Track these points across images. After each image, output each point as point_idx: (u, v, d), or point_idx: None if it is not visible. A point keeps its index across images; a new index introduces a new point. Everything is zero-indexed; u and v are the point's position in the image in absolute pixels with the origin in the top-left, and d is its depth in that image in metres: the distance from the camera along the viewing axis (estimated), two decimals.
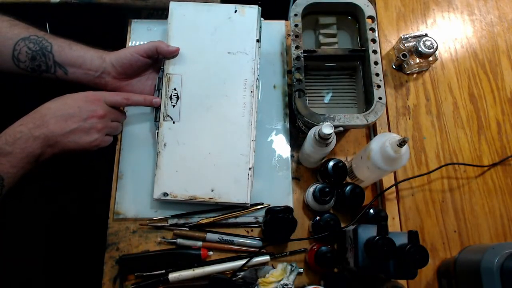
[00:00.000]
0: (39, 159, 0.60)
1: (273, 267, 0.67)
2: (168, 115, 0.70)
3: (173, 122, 0.69)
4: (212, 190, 0.67)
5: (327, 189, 0.66)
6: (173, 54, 0.71)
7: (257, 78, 0.71)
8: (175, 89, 0.70)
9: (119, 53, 0.68)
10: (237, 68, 0.71)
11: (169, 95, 0.70)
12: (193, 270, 0.66)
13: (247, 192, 0.67)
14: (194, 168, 0.68)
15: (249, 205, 0.68)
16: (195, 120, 0.70)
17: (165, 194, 0.67)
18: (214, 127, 0.69)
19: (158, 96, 0.71)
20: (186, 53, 0.72)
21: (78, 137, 0.62)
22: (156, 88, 0.72)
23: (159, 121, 0.70)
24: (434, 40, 0.77)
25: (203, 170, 0.68)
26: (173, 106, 0.70)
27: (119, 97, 0.66)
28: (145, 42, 0.70)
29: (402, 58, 0.79)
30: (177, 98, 0.70)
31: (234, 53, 0.72)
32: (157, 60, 0.73)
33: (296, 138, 0.77)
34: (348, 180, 0.72)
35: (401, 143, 0.56)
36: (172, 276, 0.65)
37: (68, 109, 0.60)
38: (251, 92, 0.70)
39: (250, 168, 0.68)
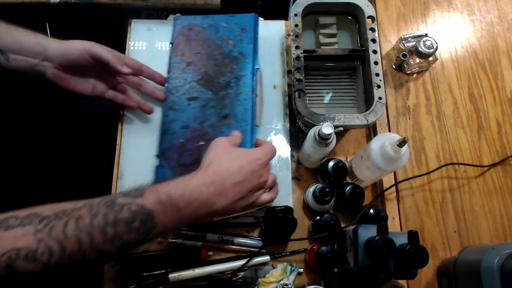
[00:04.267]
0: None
1: (273, 267, 0.67)
2: None
3: None
4: None
5: (327, 189, 0.66)
6: (125, 75, 0.66)
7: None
8: None
9: (66, 46, 0.63)
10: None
11: None
12: (193, 270, 0.66)
13: None
14: None
15: None
16: None
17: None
18: None
19: None
20: None
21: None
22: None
23: None
24: (434, 40, 0.77)
25: None
26: None
27: None
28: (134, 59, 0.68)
29: (402, 58, 0.79)
30: None
31: None
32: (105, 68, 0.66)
33: (296, 138, 0.77)
34: (348, 180, 0.72)
35: (401, 143, 0.56)
36: (172, 276, 0.65)
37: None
38: None
39: None
